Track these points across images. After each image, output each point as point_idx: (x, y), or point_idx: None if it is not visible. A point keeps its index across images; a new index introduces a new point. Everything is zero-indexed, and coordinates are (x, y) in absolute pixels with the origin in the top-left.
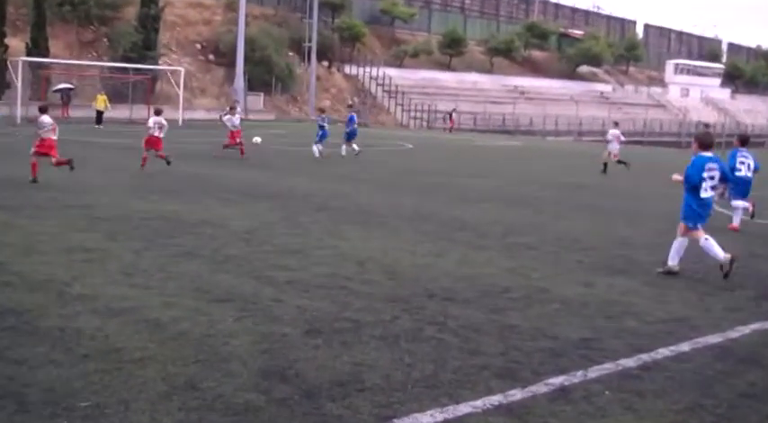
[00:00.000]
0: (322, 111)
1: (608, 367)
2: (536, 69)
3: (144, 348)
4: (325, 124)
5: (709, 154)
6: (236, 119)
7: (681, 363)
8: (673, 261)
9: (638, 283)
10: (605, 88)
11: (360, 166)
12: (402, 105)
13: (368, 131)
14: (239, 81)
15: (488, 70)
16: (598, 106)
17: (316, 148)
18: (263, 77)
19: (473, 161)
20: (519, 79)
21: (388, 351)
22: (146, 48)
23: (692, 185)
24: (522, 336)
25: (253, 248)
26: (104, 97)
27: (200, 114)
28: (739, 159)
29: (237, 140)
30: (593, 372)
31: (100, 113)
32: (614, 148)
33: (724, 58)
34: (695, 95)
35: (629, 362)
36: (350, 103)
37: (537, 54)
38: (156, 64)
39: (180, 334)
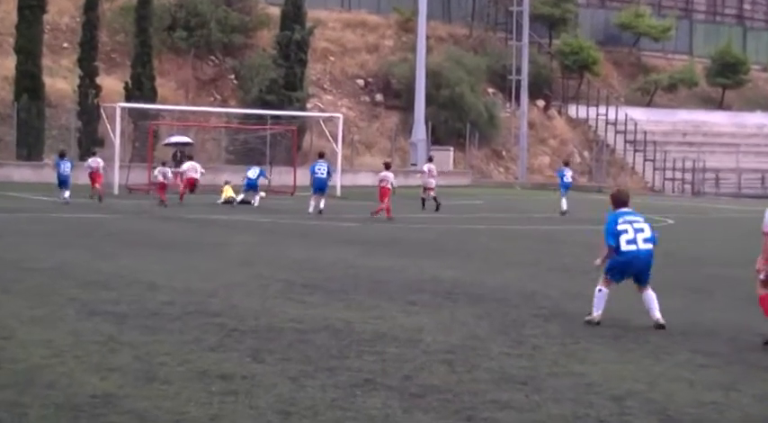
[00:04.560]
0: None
1: None
2: None
3: None
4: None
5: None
6: None
7: None
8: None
9: None
10: None
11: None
12: (653, 161)
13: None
14: (419, 131)
15: None
16: None
17: (258, 198)
18: (454, 125)
19: None
20: None
21: None
22: (288, 87)
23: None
24: None
25: (459, 375)
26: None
27: (364, 179)
28: None
29: None
30: None
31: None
32: (430, 182)
33: None
34: None
35: None
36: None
37: None
38: (304, 109)
39: None
